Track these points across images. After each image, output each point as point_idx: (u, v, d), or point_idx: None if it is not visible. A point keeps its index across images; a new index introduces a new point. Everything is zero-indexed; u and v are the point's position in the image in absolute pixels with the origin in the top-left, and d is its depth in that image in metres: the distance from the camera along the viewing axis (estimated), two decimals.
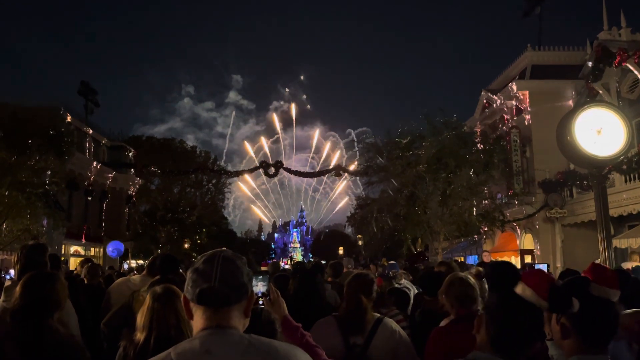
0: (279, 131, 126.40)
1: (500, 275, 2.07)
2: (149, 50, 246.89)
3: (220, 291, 1.42)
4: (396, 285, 6.04)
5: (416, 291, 6.35)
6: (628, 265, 11.86)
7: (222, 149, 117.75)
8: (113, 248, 21.48)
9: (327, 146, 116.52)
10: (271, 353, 1.40)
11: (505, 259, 21.96)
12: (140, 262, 31.03)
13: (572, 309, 1.86)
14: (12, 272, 6.90)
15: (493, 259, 12.11)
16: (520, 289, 1.84)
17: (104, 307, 4.43)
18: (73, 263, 22.23)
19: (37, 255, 3.52)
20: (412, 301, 5.69)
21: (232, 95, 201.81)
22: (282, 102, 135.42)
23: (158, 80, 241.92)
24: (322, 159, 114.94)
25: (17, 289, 2.71)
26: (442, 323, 3.21)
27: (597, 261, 4.18)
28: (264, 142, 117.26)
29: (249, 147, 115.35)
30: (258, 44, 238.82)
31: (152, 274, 4.40)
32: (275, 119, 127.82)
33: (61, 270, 7.61)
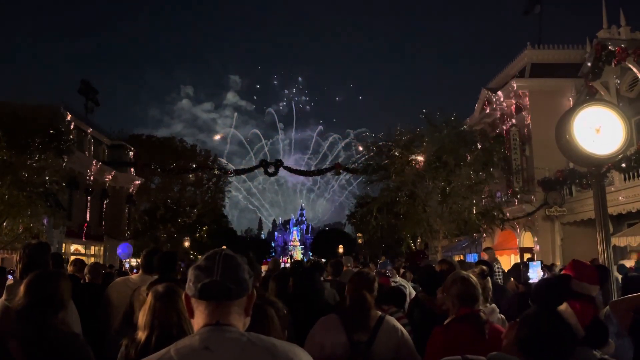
0: (279, 130, 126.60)
1: (549, 289, 2.11)
2: (148, 50, 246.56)
3: (222, 284, 1.44)
4: (392, 284, 6.05)
5: (412, 289, 6.36)
6: (627, 263, 11.91)
7: (222, 149, 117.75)
8: (122, 250, 21.62)
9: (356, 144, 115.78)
10: (270, 350, 1.41)
11: (505, 257, 21.99)
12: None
13: (608, 348, 1.88)
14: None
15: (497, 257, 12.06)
16: (564, 307, 1.86)
17: (104, 306, 4.44)
18: None
19: (40, 255, 3.53)
20: (407, 299, 5.70)
21: (230, 97, 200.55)
22: (280, 104, 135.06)
23: (157, 81, 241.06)
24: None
25: (22, 287, 2.70)
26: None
27: (600, 259, 4.20)
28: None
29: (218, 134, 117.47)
30: (256, 44, 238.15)
31: (149, 272, 4.42)
32: (275, 116, 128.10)
33: (64, 269, 7.60)
